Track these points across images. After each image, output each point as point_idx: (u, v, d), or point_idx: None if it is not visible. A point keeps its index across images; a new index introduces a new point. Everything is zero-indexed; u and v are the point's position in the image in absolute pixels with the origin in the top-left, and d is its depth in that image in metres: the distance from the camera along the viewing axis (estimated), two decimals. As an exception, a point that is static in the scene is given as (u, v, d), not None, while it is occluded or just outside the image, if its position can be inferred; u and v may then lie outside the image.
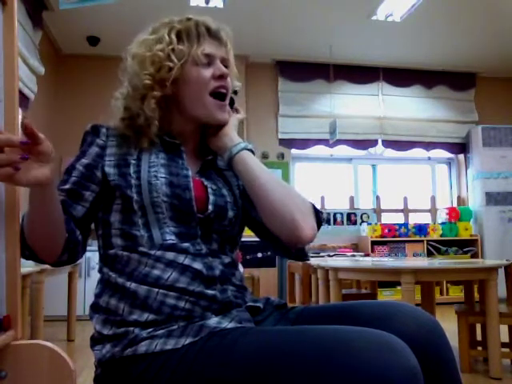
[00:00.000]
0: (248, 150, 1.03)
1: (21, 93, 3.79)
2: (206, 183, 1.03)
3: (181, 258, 0.93)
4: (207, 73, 1.01)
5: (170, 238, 0.94)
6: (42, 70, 4.19)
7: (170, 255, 0.93)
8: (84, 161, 1.00)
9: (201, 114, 1.02)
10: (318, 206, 1.03)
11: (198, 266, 0.93)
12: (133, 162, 0.99)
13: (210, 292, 0.93)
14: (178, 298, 0.90)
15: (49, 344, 0.87)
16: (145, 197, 0.94)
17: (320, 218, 1.02)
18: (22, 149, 0.76)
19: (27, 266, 2.78)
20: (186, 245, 0.95)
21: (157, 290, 0.90)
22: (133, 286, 0.91)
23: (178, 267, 0.92)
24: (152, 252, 0.93)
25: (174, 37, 1.01)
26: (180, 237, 0.95)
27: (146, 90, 0.99)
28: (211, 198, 1.00)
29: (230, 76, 1.05)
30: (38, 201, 0.85)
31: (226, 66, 1.05)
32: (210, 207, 0.99)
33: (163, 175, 0.97)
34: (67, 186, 0.97)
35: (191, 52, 1.00)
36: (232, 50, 1.08)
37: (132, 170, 0.97)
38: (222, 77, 1.02)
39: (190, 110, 1.03)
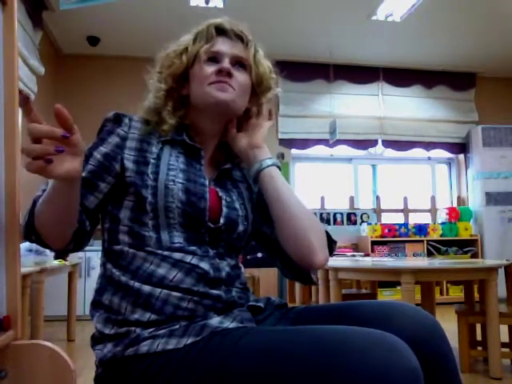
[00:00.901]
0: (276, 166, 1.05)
1: (21, 93, 3.78)
2: (220, 194, 1.02)
3: (188, 258, 0.93)
4: (209, 69, 1.02)
5: (178, 241, 0.94)
6: (41, 70, 4.19)
7: (178, 255, 0.92)
8: (102, 149, 0.97)
9: (203, 101, 1.02)
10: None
11: (205, 266, 0.93)
12: (152, 161, 0.97)
13: (214, 292, 0.93)
14: (182, 298, 0.90)
15: (49, 344, 0.88)
16: (159, 200, 0.93)
17: (332, 246, 1.05)
18: (59, 141, 0.73)
19: (27, 266, 2.79)
20: (193, 248, 0.95)
21: (160, 289, 0.90)
22: (136, 284, 0.91)
23: (185, 267, 0.92)
24: (159, 251, 0.93)
25: (191, 41, 1.05)
26: (188, 241, 0.95)
27: (157, 86, 1.04)
28: (224, 210, 1.00)
29: (248, 72, 1.06)
30: (61, 193, 0.83)
31: (243, 65, 1.05)
32: (222, 220, 0.99)
33: (181, 181, 0.96)
34: (83, 174, 0.93)
35: (197, 50, 1.03)
36: (254, 50, 1.07)
37: (150, 169, 0.96)
38: (220, 71, 1.01)
39: (197, 104, 1.03)
